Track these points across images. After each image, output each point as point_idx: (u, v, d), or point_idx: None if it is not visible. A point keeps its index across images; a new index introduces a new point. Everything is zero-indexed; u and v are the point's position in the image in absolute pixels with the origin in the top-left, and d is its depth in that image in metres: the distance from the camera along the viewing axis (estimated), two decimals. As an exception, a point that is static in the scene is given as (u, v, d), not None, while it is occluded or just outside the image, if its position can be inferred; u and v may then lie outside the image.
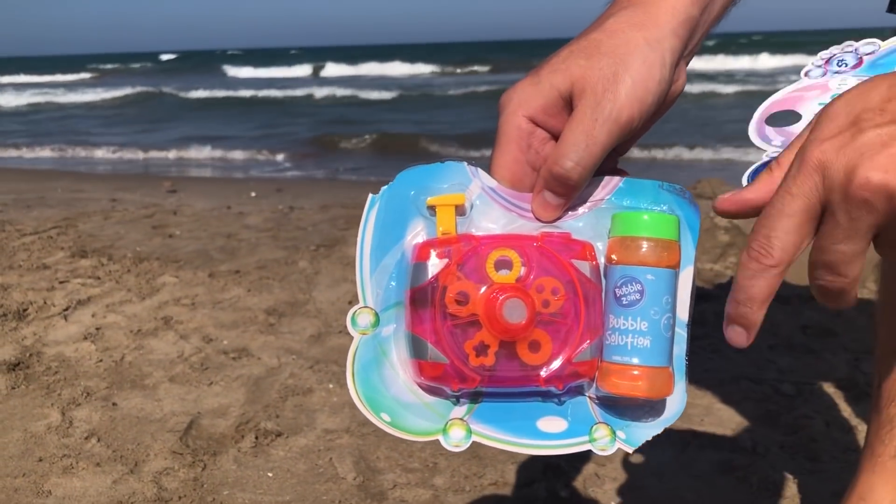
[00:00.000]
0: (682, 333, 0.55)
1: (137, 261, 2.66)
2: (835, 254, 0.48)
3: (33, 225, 3.27)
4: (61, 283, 2.40)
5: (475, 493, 1.29)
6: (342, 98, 13.27)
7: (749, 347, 1.81)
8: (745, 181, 0.56)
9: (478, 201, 0.54)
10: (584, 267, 0.52)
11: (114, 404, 1.62)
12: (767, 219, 0.50)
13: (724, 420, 1.48)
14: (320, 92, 13.99)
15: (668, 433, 1.43)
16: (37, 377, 1.74)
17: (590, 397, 0.54)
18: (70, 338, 1.97)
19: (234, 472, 1.38)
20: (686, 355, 0.56)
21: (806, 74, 0.65)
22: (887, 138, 0.46)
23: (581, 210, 0.55)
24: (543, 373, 0.52)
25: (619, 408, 0.54)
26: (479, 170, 0.54)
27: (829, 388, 1.59)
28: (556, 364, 0.52)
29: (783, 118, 0.63)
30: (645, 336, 0.51)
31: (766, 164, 0.55)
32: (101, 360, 1.83)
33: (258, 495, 1.31)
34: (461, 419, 0.53)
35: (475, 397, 0.53)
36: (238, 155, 7.36)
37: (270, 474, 1.37)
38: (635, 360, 0.51)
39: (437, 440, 0.52)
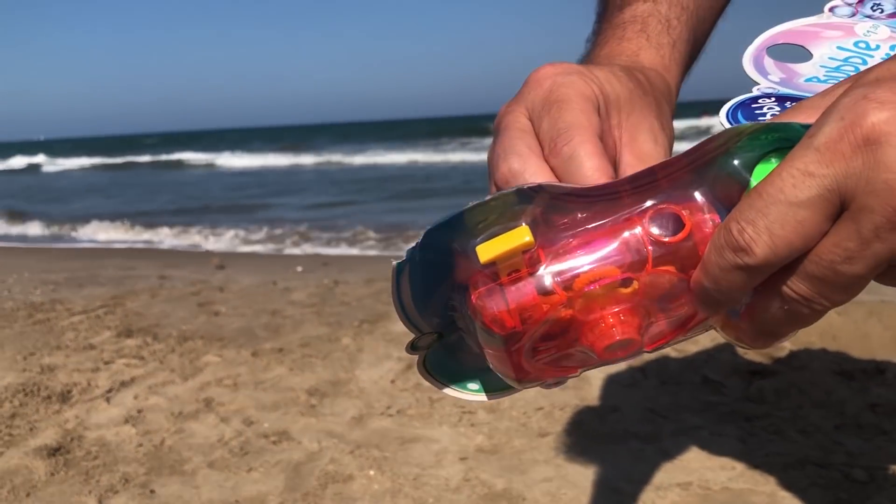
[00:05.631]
0: None
1: (182, 340, 2.65)
2: (832, 272, 0.34)
3: (82, 304, 3.31)
4: (106, 363, 2.40)
5: None
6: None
7: (814, 429, 1.66)
8: (723, 119, 0.45)
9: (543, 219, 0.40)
10: None
11: (151, 491, 1.58)
12: (760, 198, 0.34)
13: (791, 510, 1.38)
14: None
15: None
16: (76, 462, 1.72)
17: None
18: (111, 421, 1.95)
19: (271, 567, 1.32)
20: None
21: (831, 10, 0.53)
22: None
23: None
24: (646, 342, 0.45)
25: None
26: (543, 183, 0.40)
27: (904, 474, 1.48)
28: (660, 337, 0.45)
29: (789, 53, 0.51)
30: None
31: (752, 100, 0.46)
32: (140, 445, 1.81)
33: None
34: None
35: None
36: (284, 230, 7.41)
37: (308, 570, 1.31)
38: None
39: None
